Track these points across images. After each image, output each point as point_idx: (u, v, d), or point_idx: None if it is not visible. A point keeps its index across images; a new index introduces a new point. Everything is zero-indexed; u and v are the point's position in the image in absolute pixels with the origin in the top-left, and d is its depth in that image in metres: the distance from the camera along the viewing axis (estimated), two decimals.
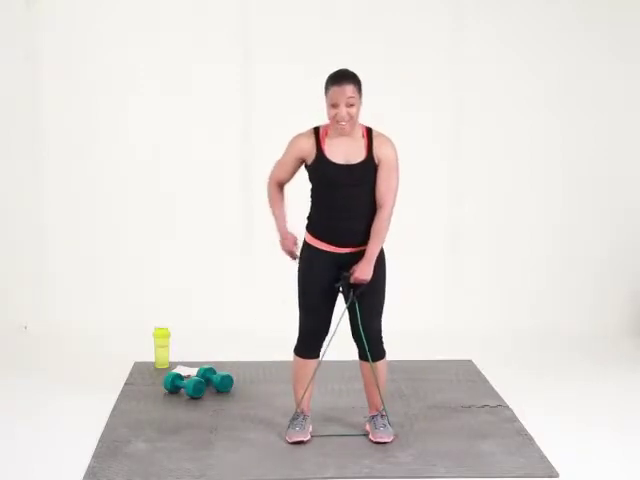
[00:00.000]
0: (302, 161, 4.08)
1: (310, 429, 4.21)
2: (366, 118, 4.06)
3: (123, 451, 4.01)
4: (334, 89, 3.91)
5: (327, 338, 4.16)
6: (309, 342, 4.17)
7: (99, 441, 4.11)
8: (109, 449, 4.02)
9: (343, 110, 3.89)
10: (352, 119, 3.93)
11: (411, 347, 5.48)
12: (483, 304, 6.16)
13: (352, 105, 3.90)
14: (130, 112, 5.97)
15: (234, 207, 6.09)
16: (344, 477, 3.81)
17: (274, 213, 4.18)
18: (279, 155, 4.14)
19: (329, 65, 5.83)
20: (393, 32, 5.97)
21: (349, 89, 3.90)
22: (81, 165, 6.01)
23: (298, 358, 4.20)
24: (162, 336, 5.22)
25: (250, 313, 6.00)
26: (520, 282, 6.24)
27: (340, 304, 4.12)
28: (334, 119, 3.93)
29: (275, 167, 4.18)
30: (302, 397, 4.20)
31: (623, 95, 6.13)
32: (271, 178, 4.18)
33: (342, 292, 4.07)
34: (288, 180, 4.16)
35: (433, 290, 6.18)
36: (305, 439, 4.14)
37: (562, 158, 6.18)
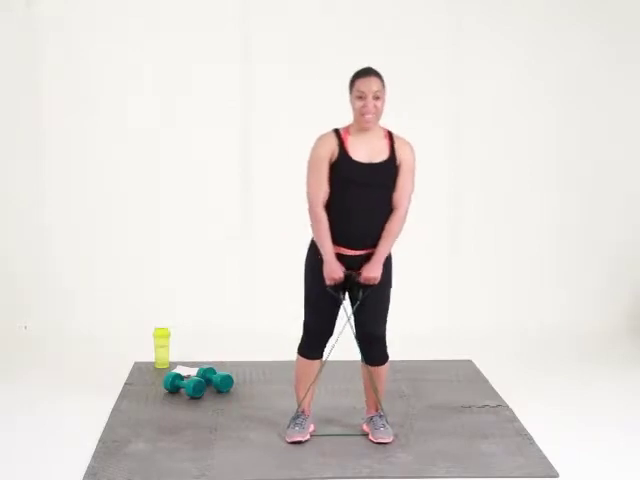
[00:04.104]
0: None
1: (311, 429, 4.20)
2: None
3: (123, 451, 4.00)
4: (361, 81, 3.88)
5: (332, 339, 4.12)
6: (313, 342, 4.13)
7: (99, 441, 4.10)
8: (109, 449, 4.02)
9: (370, 102, 3.85)
10: (377, 113, 3.90)
11: (411, 347, 5.47)
12: (483, 304, 6.16)
13: (378, 98, 3.88)
14: (130, 112, 5.97)
15: (234, 207, 6.09)
16: (344, 477, 3.80)
17: (325, 242, 3.91)
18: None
19: (329, 65, 5.87)
20: (393, 32, 5.96)
21: (376, 82, 3.89)
22: (81, 165, 6.01)
23: (301, 358, 4.16)
24: (162, 336, 5.22)
25: (250, 313, 6.00)
26: (520, 282, 6.24)
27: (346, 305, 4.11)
28: (360, 112, 3.88)
29: (312, 188, 3.91)
30: (304, 398, 4.18)
31: (623, 95, 6.13)
32: (315, 203, 3.90)
33: (335, 295, 4.00)
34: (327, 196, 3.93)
35: (433, 290, 6.18)
36: (304, 439, 4.13)
37: (562, 158, 6.18)
